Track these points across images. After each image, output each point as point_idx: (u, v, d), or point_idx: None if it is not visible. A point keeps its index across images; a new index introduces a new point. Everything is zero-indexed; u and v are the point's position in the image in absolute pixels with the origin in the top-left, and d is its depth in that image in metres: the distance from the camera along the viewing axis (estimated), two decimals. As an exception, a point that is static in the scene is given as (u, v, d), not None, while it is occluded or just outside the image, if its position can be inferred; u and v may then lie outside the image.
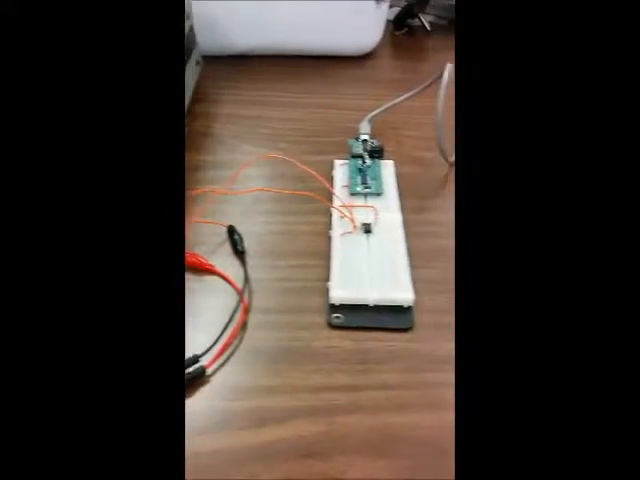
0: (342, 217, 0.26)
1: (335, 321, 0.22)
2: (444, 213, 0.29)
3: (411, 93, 0.37)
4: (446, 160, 0.32)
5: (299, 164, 0.28)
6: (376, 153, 0.32)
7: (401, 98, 0.37)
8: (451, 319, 0.23)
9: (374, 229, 0.26)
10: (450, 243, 0.27)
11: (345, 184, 0.30)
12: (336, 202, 0.27)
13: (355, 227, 0.26)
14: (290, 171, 0.32)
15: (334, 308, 0.23)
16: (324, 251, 0.26)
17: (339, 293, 0.23)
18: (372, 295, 0.23)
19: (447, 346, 0.21)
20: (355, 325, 0.22)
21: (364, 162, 0.31)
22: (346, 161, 0.32)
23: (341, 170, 0.31)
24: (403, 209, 0.29)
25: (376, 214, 0.27)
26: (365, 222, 0.27)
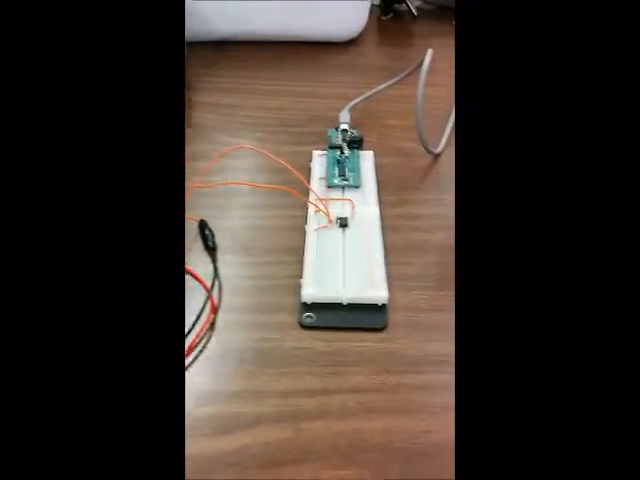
0: (317, 211, 0.26)
1: (306, 321, 0.21)
2: (423, 206, 0.28)
3: (394, 80, 0.36)
4: (427, 151, 0.31)
5: (273, 156, 0.27)
6: (355, 143, 0.31)
7: (383, 86, 0.36)
8: (426, 317, 0.22)
9: (350, 223, 0.25)
10: (427, 237, 0.26)
11: (323, 176, 0.29)
12: (312, 195, 0.26)
13: (331, 221, 0.25)
14: (266, 163, 0.31)
15: (306, 307, 0.22)
16: (299, 247, 0.25)
17: (311, 292, 0.22)
18: (345, 293, 0.22)
19: (421, 347, 0.21)
20: (327, 325, 0.21)
21: (342, 153, 0.30)
22: (325, 152, 0.31)
23: (319, 161, 0.30)
24: (381, 202, 0.28)
25: (353, 207, 0.26)
26: (341, 216, 0.26)
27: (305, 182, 0.26)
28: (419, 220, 0.27)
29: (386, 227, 0.26)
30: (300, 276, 0.23)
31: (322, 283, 0.22)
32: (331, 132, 0.32)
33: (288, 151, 0.33)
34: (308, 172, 0.30)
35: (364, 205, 0.27)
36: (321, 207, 0.25)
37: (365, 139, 0.33)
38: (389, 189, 0.30)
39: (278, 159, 0.27)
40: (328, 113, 0.37)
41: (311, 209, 0.26)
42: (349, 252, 0.24)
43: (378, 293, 0.22)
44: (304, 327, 0.21)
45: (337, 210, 0.26)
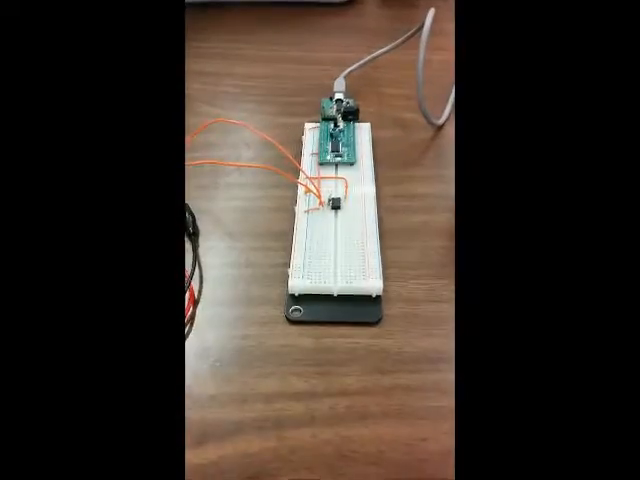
0: (307, 192, 0.23)
1: (293, 315, 0.20)
2: (424, 184, 0.26)
3: (394, 44, 0.33)
4: (429, 122, 0.28)
5: (258, 131, 0.25)
6: (351, 115, 0.28)
7: (382, 50, 0.33)
8: (424, 309, 0.20)
9: (344, 205, 0.23)
10: (428, 219, 0.24)
11: (315, 151, 0.27)
12: (302, 175, 0.24)
13: (322, 203, 0.23)
14: (253, 138, 0.28)
15: (293, 300, 0.20)
16: (288, 230, 0.23)
17: (299, 283, 0.20)
18: (336, 284, 0.20)
19: (418, 343, 0.19)
20: (316, 319, 0.20)
21: (337, 126, 0.28)
22: (317, 124, 0.28)
23: (311, 135, 0.28)
24: (378, 180, 0.26)
25: (347, 187, 0.24)
26: (333, 197, 0.23)
27: (293, 160, 0.24)
28: (419, 200, 0.25)
29: (383, 208, 0.24)
30: (288, 264, 0.21)
31: (311, 273, 0.20)
32: (325, 102, 0.30)
33: (278, 123, 0.31)
34: (299, 147, 0.28)
35: (359, 184, 0.25)
36: (311, 187, 0.23)
37: (362, 110, 0.30)
38: (387, 165, 0.27)
39: (264, 134, 0.25)
40: (322, 81, 0.34)
41: (301, 189, 0.24)
42: (341, 237, 0.22)
43: (372, 284, 0.20)
44: (291, 322, 0.20)
45: (329, 190, 0.24)
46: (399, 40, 0.32)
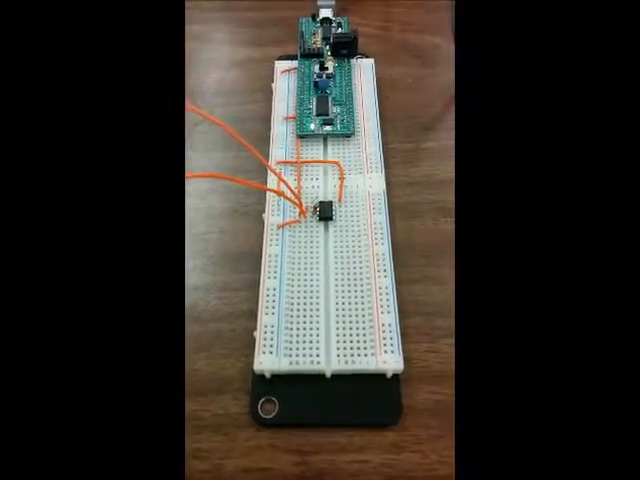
0: (279, 195, 0.15)
1: (265, 412, 0.13)
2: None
3: None
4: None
5: (202, 112, 0.16)
6: (345, 47, 0.19)
7: None
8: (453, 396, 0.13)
9: (337, 212, 0.15)
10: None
11: (290, 114, 0.18)
12: (273, 171, 0.16)
13: (304, 213, 0.15)
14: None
15: (263, 385, 0.13)
16: (253, 256, 0.15)
17: (271, 360, 0.13)
18: (330, 359, 0.13)
19: (452, 456, 0.12)
20: (298, 421, 0.13)
21: (324, 67, 0.18)
22: (294, 63, 0.19)
23: (285, 82, 0.19)
24: (389, 159, 0.17)
25: (342, 179, 0.16)
26: (322, 200, 0.15)
27: (253, 151, 0.14)
28: (452, 186, 0.17)
29: (397, 209, 0.16)
30: (254, 316, 0.14)
31: (290, 341, 0.13)
32: (304, 24, 0.20)
33: (237, 60, 0.21)
34: (268, 101, 0.19)
35: (360, 171, 0.16)
36: (287, 191, 0.15)
37: (361, 33, 0.20)
38: (402, 129, 0.19)
39: (213, 118, 0.16)
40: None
41: (271, 183, 0.16)
42: (335, 272, 0.14)
43: (385, 359, 0.13)
44: (261, 423, 0.13)
45: (315, 186, 0.16)
46: None
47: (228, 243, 0.16)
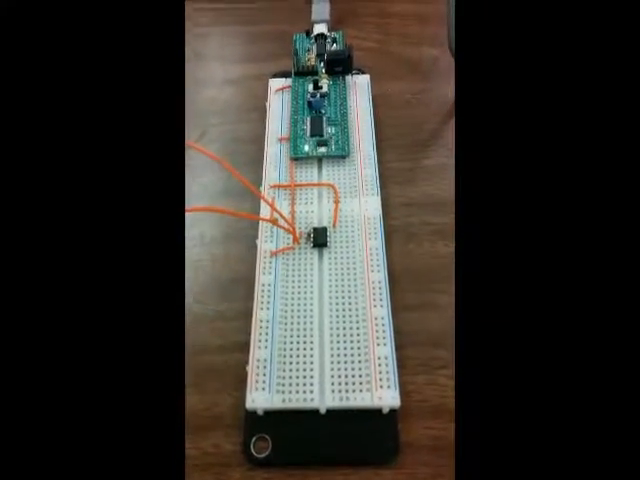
0: (273, 223, 0.15)
1: (257, 451, 0.12)
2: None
3: None
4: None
5: (201, 148, 0.16)
6: (339, 64, 0.18)
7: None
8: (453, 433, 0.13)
9: (332, 238, 0.15)
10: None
11: (284, 135, 0.17)
12: (267, 196, 0.15)
13: (297, 240, 0.15)
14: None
15: (256, 423, 0.12)
16: (248, 280, 0.15)
17: (263, 397, 0.12)
18: (324, 395, 0.12)
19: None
20: (293, 460, 0.12)
21: (317, 87, 0.18)
22: (288, 80, 0.19)
23: (279, 101, 0.18)
24: (386, 180, 0.17)
25: (337, 202, 0.16)
26: (316, 227, 0.15)
27: (243, 180, 0.14)
28: (450, 207, 0.17)
29: (394, 231, 0.16)
30: (247, 346, 0.13)
31: (283, 377, 0.12)
32: (299, 41, 0.19)
33: (230, 77, 0.21)
34: (263, 118, 0.18)
35: (355, 194, 0.16)
36: (281, 221, 0.14)
37: (356, 47, 0.20)
38: (399, 147, 0.18)
39: (203, 149, 0.15)
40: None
41: (264, 210, 0.15)
42: (330, 302, 0.13)
43: (382, 395, 0.12)
44: (253, 462, 0.12)
45: (309, 211, 0.15)
46: None
47: (220, 270, 0.15)
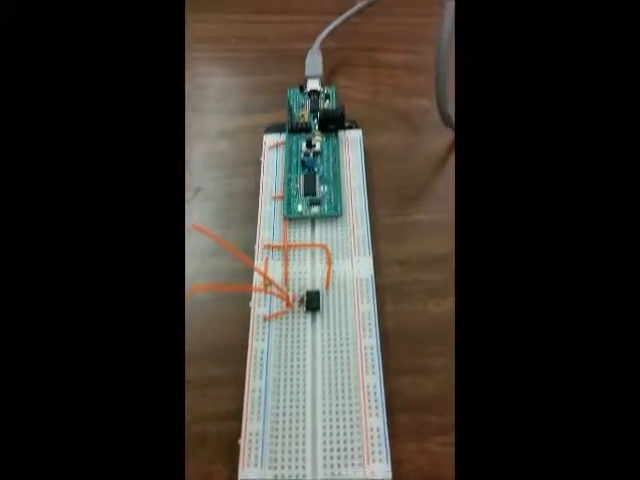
0: (266, 287, 0.15)
1: (250, 528, 0.12)
2: (450, 238, 0.17)
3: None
4: (447, 124, 0.19)
5: (209, 232, 0.16)
6: (332, 122, 0.19)
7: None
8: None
9: (325, 301, 0.15)
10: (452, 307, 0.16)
11: (278, 193, 0.18)
12: (259, 260, 0.16)
13: (290, 305, 0.15)
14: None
15: (248, 497, 0.13)
16: (239, 349, 0.15)
17: (254, 472, 0.12)
18: (316, 469, 0.12)
19: None
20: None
21: (310, 144, 0.18)
22: (282, 136, 0.19)
23: (273, 157, 0.18)
24: (377, 236, 0.17)
25: (329, 263, 0.16)
26: (309, 290, 0.15)
27: (245, 259, 0.14)
28: (442, 264, 0.17)
29: (386, 290, 0.16)
30: (239, 418, 0.13)
31: (276, 451, 0.12)
32: (292, 96, 0.20)
33: (225, 129, 0.21)
34: (257, 172, 0.19)
35: (348, 255, 0.16)
36: (273, 288, 0.14)
37: (349, 97, 0.20)
38: (390, 202, 0.18)
39: (211, 233, 0.16)
40: (291, 44, 0.24)
41: (257, 278, 0.15)
42: (322, 369, 0.14)
43: (373, 468, 0.12)
44: (246, 538, 0.12)
45: (302, 272, 0.15)
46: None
47: (213, 333, 0.15)
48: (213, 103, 0.22)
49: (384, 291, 0.16)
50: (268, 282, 0.14)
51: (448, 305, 0.16)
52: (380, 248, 0.17)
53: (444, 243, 0.17)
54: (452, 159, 0.20)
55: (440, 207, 0.18)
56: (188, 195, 0.19)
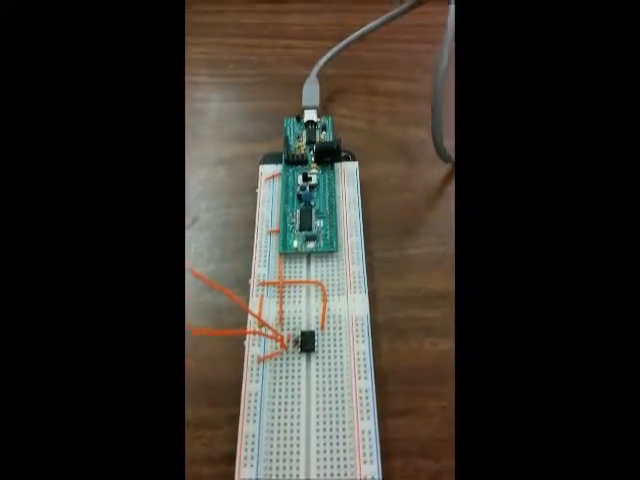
0: (260, 328, 0.15)
1: None
2: (448, 275, 0.17)
3: (395, 12, 0.22)
4: (443, 158, 0.19)
5: (205, 278, 0.16)
6: (329, 154, 0.19)
7: (376, 23, 0.22)
8: None
9: (319, 341, 0.15)
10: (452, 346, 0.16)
11: (274, 227, 0.17)
12: (253, 303, 0.15)
13: (285, 346, 0.15)
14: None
15: None
16: (234, 386, 0.15)
17: (248, 521, 0.12)
18: (310, 517, 0.12)
19: None
20: None
21: (307, 177, 0.18)
22: (279, 168, 0.19)
23: (269, 190, 0.18)
24: (372, 271, 0.17)
25: (325, 301, 0.16)
26: (304, 330, 0.15)
27: (240, 303, 0.14)
28: (438, 301, 0.17)
29: (382, 328, 0.16)
30: (233, 460, 0.13)
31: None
32: (289, 126, 0.20)
33: (222, 157, 0.21)
34: (254, 203, 0.19)
35: (343, 292, 0.16)
36: (268, 331, 0.14)
37: (346, 125, 0.20)
38: (387, 235, 0.18)
39: (207, 279, 0.15)
40: (287, 70, 0.24)
41: (251, 320, 0.15)
42: (317, 412, 0.13)
43: (368, 517, 0.12)
44: None
45: (296, 312, 0.15)
46: (408, 4, 0.22)
47: (206, 371, 0.15)
48: (210, 129, 0.22)
49: (378, 329, 0.16)
50: (262, 324, 0.14)
51: (444, 344, 0.16)
52: (375, 283, 0.17)
53: (440, 279, 0.17)
54: (448, 190, 0.20)
55: (436, 240, 0.18)
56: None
